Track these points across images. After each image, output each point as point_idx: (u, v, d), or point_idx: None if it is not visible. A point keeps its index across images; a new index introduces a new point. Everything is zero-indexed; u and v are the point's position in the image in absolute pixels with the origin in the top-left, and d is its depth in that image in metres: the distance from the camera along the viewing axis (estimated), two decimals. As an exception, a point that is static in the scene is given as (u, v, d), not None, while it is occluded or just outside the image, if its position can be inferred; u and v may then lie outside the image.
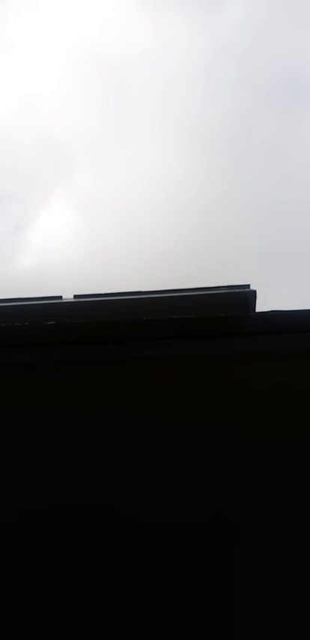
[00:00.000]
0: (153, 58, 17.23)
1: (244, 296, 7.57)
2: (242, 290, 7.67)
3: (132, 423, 4.58)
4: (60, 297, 7.89)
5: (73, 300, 7.84)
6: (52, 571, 4.64)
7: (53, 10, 17.11)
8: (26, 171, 18.53)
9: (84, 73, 17.86)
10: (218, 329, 4.53)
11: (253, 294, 7.59)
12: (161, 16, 16.59)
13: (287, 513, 4.54)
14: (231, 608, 4.59)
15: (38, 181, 19.07)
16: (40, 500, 4.65)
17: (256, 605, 4.54)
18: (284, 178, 17.89)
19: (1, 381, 4.64)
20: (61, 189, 19.21)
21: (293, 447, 4.53)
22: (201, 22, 17.12)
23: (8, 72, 17.84)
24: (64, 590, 4.63)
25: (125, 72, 17.68)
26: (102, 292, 7.92)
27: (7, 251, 18.33)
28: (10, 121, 18.29)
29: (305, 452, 4.53)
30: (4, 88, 17.77)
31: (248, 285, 7.76)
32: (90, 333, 4.57)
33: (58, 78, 17.89)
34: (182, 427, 4.56)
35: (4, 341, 4.61)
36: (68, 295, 7.94)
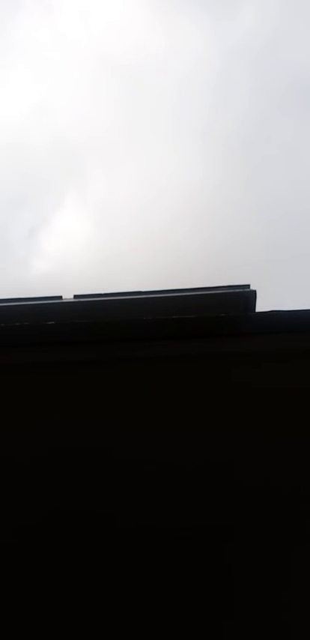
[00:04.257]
0: (166, 63, 17.28)
1: (244, 296, 7.60)
2: (242, 290, 7.69)
3: (132, 423, 4.58)
4: (60, 297, 7.91)
5: (73, 300, 7.86)
6: (52, 575, 4.64)
7: (67, 17, 17.17)
8: (40, 175, 18.60)
9: (97, 78, 17.93)
10: (218, 329, 4.53)
11: (253, 294, 7.61)
12: (174, 22, 16.63)
13: (287, 514, 4.54)
14: (230, 610, 4.59)
15: (52, 185, 19.14)
16: (38, 500, 4.65)
17: (255, 608, 4.54)
18: (297, 182, 17.92)
19: (1, 381, 4.63)
20: (74, 193, 19.29)
21: (293, 447, 4.53)
22: (213, 27, 17.14)
23: (23, 77, 17.91)
24: (64, 594, 4.63)
25: (139, 77, 17.73)
26: (102, 292, 7.94)
27: (21, 255, 18.42)
28: (25, 125, 18.37)
29: (305, 452, 4.53)
30: (19, 92, 17.85)
31: (248, 285, 7.79)
32: (90, 333, 4.57)
33: (72, 83, 17.95)
34: (181, 427, 4.56)
35: (4, 341, 4.61)
36: (68, 295, 7.95)
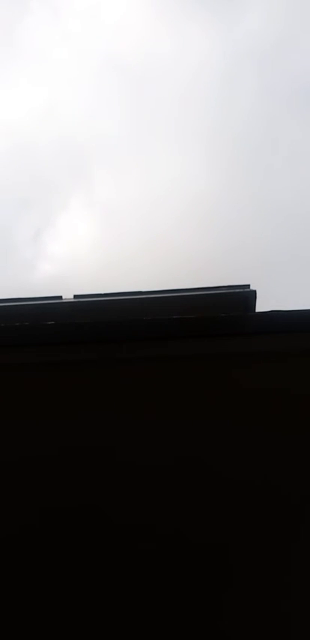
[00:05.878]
0: (171, 64, 17.27)
1: (244, 296, 7.61)
2: (242, 290, 7.70)
3: (132, 423, 4.58)
4: (60, 297, 7.92)
5: (72, 300, 7.87)
6: (51, 574, 4.65)
7: (74, 20, 17.20)
8: (46, 177, 18.61)
9: (104, 81, 17.94)
10: (218, 329, 4.53)
11: (253, 294, 7.62)
12: (179, 23, 16.62)
13: (287, 514, 4.54)
14: (230, 611, 4.60)
15: (58, 187, 19.14)
16: (38, 500, 4.66)
17: (255, 609, 4.54)
18: (300, 184, 17.92)
19: (1, 380, 4.63)
20: (81, 195, 19.32)
21: (293, 447, 4.53)
22: (218, 29, 17.13)
23: (30, 79, 17.93)
24: (63, 593, 4.63)
25: (144, 79, 17.74)
26: (102, 292, 7.94)
27: (26, 257, 18.45)
28: (31, 127, 18.39)
29: (305, 452, 4.53)
30: (27, 94, 17.87)
31: (248, 285, 7.80)
32: (90, 333, 4.57)
33: (78, 85, 17.96)
34: (181, 427, 4.56)
35: (4, 341, 4.61)
36: (68, 295, 7.96)
